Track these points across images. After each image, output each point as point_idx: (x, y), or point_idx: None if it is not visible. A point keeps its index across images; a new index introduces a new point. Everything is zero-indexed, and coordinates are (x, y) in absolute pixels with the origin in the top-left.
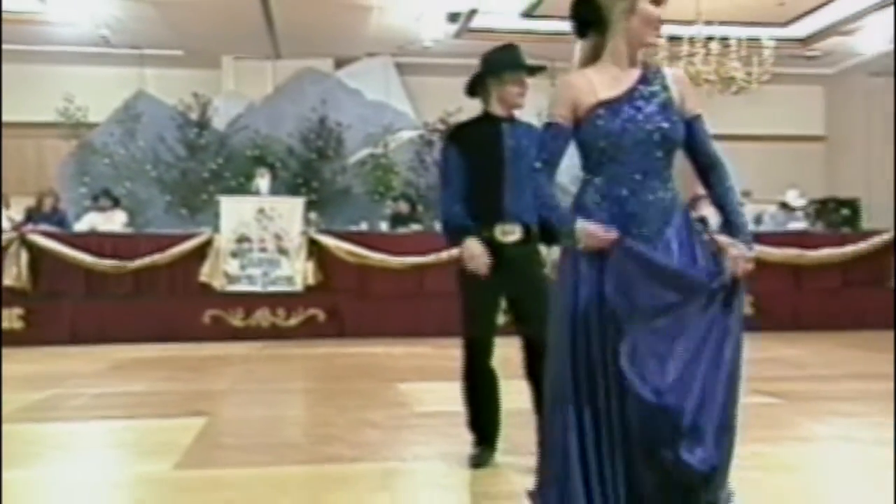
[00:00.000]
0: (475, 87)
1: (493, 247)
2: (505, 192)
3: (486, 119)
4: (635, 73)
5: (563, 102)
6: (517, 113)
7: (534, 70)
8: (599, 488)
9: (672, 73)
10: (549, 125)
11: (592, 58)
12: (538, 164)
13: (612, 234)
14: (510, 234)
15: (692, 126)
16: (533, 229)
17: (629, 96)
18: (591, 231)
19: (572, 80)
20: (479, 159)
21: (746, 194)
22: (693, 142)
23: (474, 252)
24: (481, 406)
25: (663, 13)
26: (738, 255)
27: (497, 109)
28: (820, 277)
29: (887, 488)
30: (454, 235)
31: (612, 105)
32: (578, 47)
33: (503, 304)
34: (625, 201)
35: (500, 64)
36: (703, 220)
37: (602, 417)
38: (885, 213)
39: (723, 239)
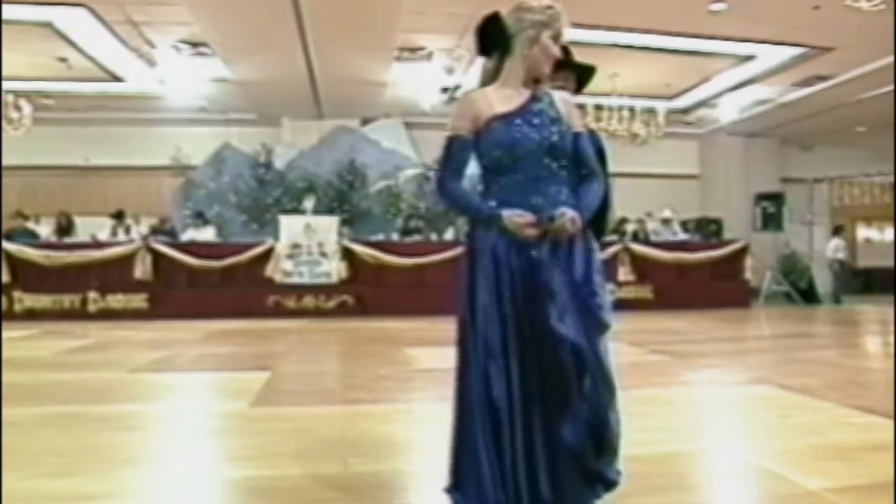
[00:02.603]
0: None
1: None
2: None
3: None
4: (527, 94)
5: (465, 116)
6: None
7: (584, 74)
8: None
9: (559, 95)
10: (453, 138)
11: (492, 77)
12: (447, 174)
13: (531, 217)
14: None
15: (576, 141)
16: None
17: (522, 111)
18: (519, 221)
19: (472, 97)
20: None
21: (649, 214)
22: (576, 154)
23: None
24: None
25: (559, 50)
26: (566, 217)
27: None
28: (697, 272)
29: (738, 412)
30: None
31: (506, 118)
32: (481, 66)
33: None
34: (518, 207)
35: None
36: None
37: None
38: (739, 228)
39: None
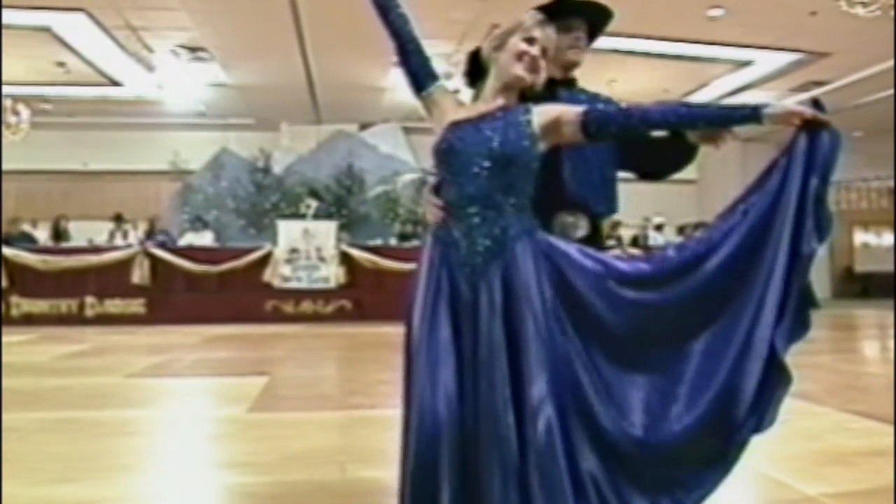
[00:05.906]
0: None
1: None
2: (564, 169)
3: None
4: (497, 103)
5: (437, 120)
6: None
7: (596, 18)
8: None
9: (543, 108)
10: None
11: (474, 100)
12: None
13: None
14: (573, 227)
15: (589, 112)
16: (601, 222)
17: (480, 118)
18: (430, 202)
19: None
20: None
21: (647, 219)
22: (603, 123)
23: None
24: None
25: (534, 50)
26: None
27: (552, 70)
28: None
29: None
30: None
31: (458, 123)
32: None
33: None
34: (449, 229)
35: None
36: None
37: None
38: None
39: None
